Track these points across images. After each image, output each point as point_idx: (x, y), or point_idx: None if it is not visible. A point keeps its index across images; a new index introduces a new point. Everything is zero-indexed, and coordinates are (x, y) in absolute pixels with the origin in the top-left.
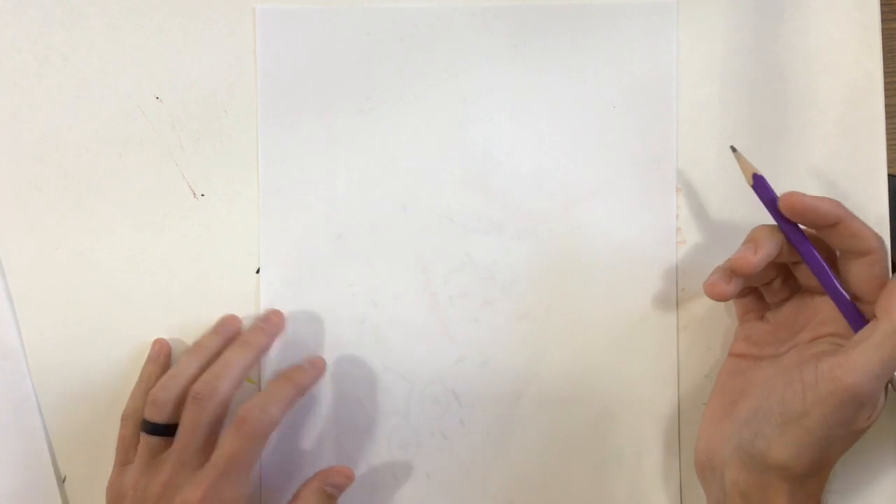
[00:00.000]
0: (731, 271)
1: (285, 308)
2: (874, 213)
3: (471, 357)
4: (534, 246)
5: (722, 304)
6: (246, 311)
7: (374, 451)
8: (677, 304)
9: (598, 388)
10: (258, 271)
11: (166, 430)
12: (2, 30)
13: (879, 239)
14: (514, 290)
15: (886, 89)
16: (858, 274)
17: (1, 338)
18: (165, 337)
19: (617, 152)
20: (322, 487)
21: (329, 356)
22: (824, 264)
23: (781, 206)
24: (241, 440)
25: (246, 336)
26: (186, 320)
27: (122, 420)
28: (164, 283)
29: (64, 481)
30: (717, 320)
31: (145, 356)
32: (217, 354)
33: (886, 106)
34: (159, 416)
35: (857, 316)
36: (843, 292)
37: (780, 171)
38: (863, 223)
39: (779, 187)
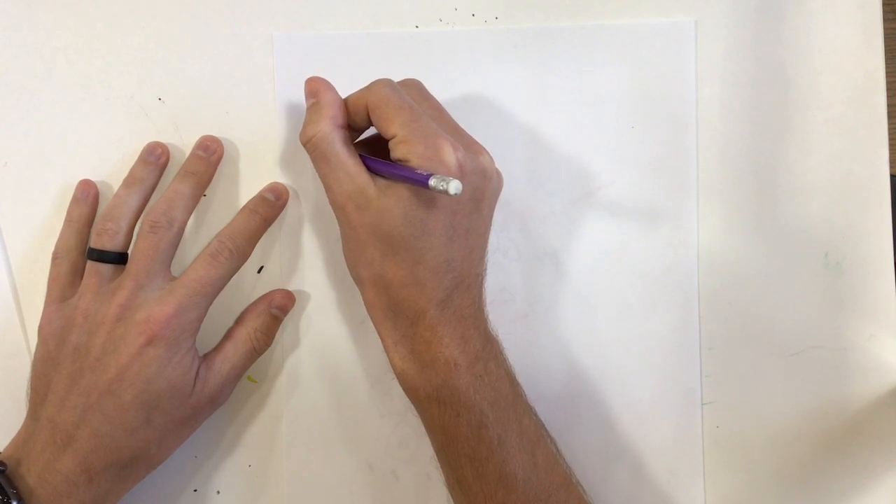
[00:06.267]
0: None
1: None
2: (876, 213)
3: None
4: (541, 255)
5: (727, 318)
6: None
7: (374, 451)
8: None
9: (598, 387)
10: (260, 270)
11: (119, 259)
12: (10, 33)
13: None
14: (515, 292)
15: (888, 89)
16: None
17: (6, 338)
18: None
19: (636, 172)
20: (268, 310)
21: (330, 357)
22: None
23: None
24: (216, 269)
25: (189, 166)
26: None
27: (54, 260)
28: None
29: None
30: (721, 320)
31: None
32: (153, 186)
33: (888, 106)
34: (111, 244)
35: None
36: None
37: (781, 170)
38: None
39: (780, 187)
